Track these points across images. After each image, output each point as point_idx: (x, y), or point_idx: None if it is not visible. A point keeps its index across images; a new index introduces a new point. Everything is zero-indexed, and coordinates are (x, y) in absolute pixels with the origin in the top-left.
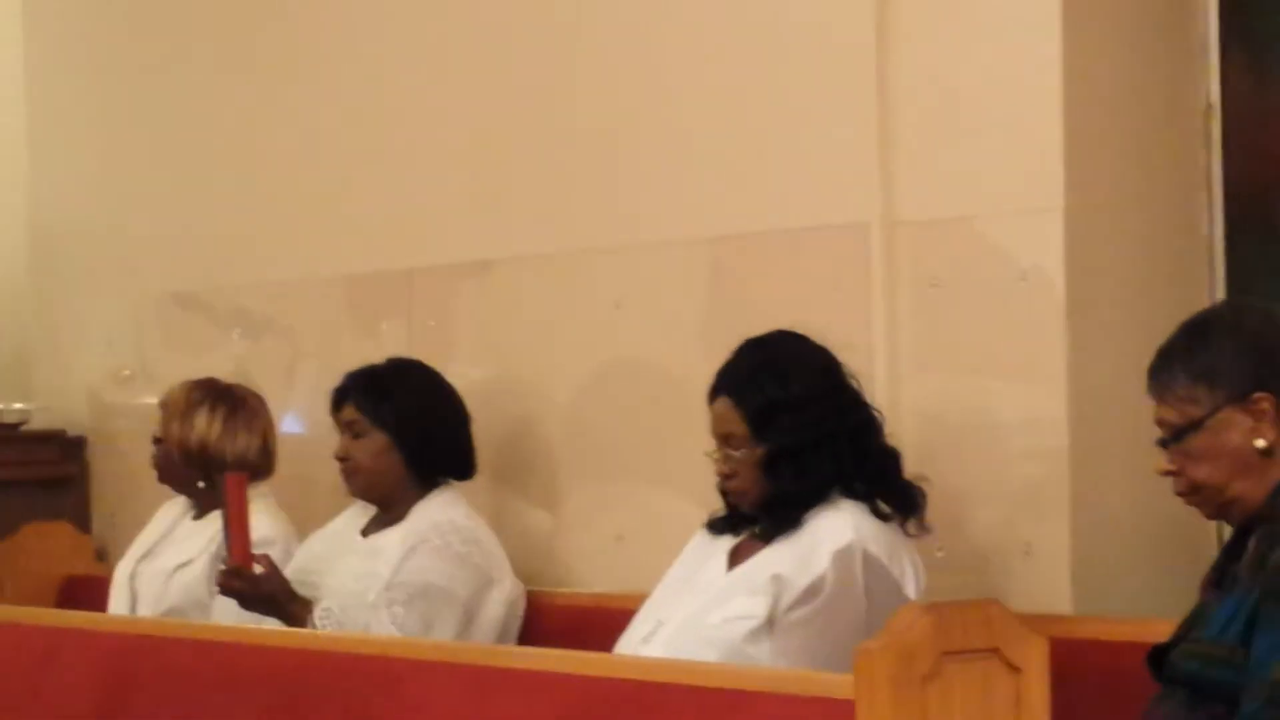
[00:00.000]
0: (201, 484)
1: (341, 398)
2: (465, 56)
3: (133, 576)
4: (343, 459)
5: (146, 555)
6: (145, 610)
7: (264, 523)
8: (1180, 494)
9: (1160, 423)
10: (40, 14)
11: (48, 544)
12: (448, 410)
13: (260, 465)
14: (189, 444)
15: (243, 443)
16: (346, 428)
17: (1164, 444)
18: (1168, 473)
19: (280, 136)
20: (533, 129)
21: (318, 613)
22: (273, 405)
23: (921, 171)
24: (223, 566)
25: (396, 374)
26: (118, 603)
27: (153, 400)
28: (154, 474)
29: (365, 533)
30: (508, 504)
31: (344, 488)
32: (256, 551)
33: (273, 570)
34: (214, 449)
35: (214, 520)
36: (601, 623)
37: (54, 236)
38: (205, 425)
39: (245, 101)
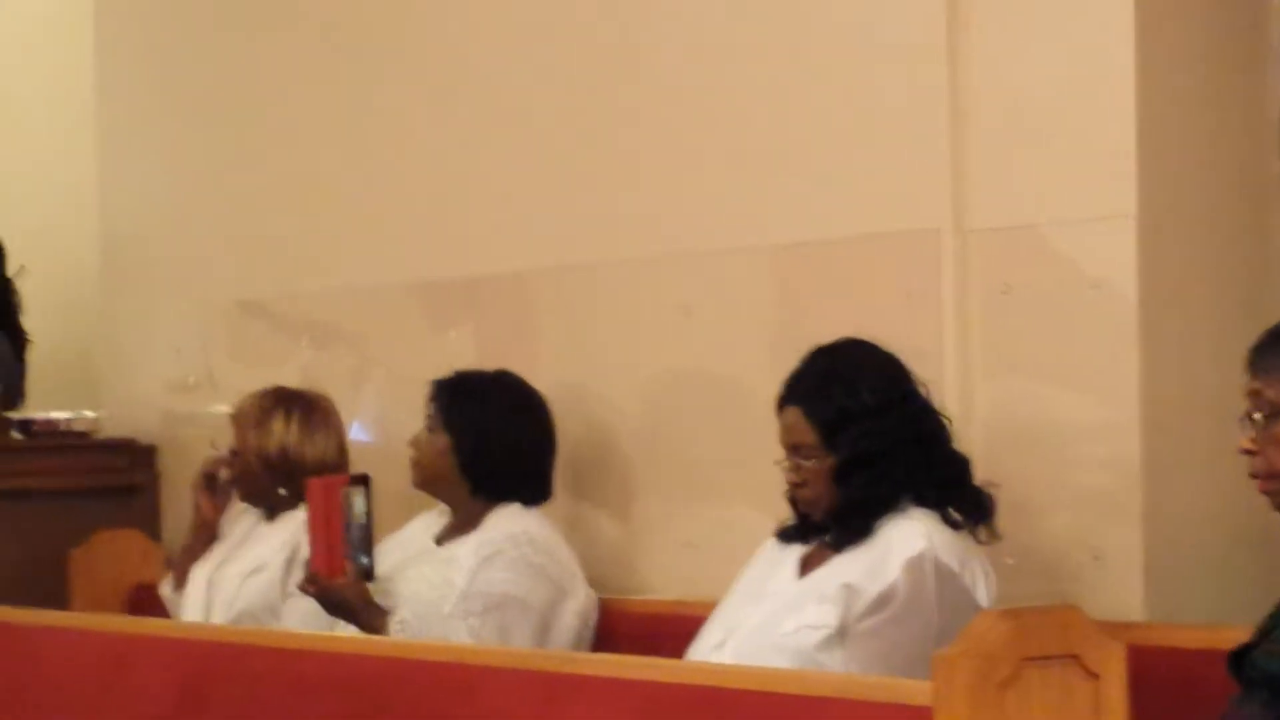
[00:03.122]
0: (283, 491)
1: (432, 390)
2: (536, 65)
3: (210, 582)
4: (412, 446)
5: (224, 562)
6: (218, 613)
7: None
8: (1255, 475)
9: (1253, 394)
10: (110, 25)
11: (118, 552)
12: (523, 434)
13: (339, 465)
14: (268, 451)
15: (321, 444)
16: (426, 419)
17: (1251, 419)
18: (1248, 451)
19: (348, 144)
20: (603, 136)
21: (394, 623)
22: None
23: (993, 178)
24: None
25: (485, 385)
26: (193, 606)
27: (221, 409)
28: (235, 491)
29: (439, 540)
30: (578, 510)
31: (410, 491)
32: (276, 556)
33: (356, 579)
34: (294, 453)
35: (288, 522)
36: (673, 630)
37: (123, 245)
38: (283, 430)
39: (313, 109)
